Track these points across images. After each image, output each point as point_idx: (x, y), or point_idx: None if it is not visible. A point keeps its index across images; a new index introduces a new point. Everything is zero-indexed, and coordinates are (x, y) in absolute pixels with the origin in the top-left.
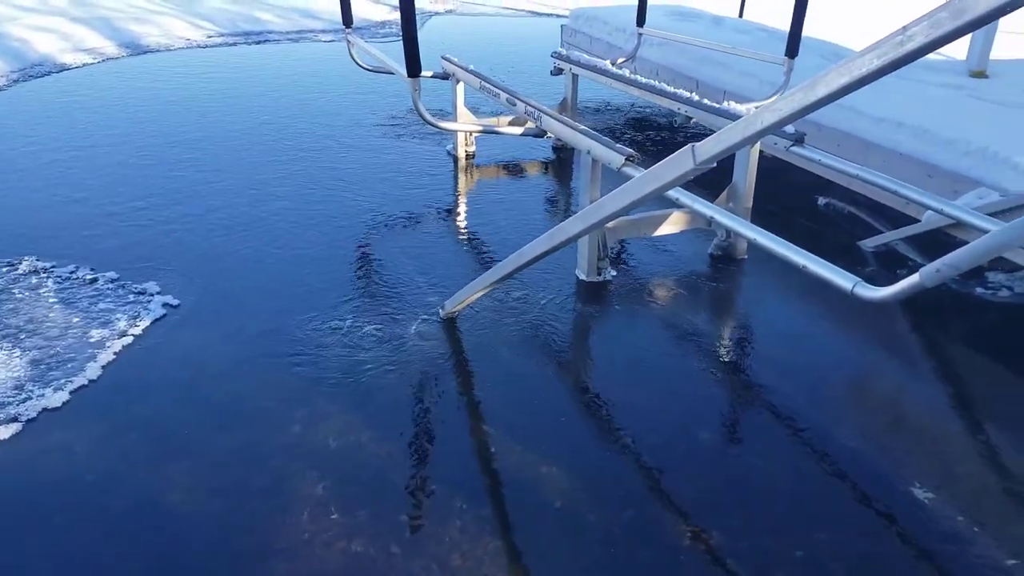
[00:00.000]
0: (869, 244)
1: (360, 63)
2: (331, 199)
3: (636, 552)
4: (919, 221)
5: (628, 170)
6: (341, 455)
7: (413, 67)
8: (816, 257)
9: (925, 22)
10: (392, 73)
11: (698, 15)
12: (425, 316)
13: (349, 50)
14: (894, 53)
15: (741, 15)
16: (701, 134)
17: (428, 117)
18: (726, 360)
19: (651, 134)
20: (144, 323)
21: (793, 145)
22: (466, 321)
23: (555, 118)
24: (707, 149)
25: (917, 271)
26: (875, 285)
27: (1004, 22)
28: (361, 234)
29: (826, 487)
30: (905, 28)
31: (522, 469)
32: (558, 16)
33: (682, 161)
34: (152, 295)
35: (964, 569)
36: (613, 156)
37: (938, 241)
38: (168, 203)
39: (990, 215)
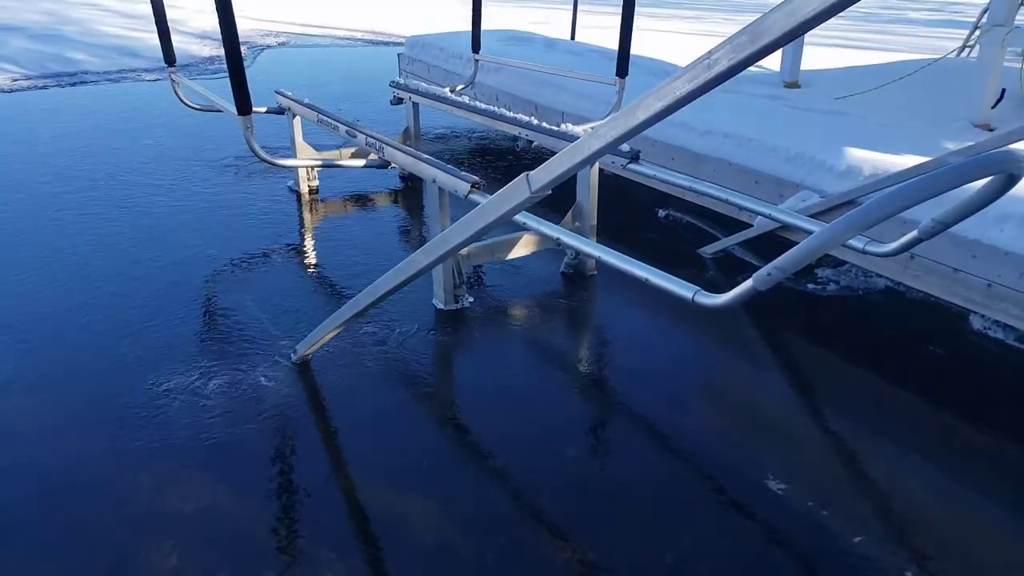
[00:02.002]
0: (708, 251)
1: (188, 102)
2: (166, 246)
3: None
4: (752, 226)
5: (475, 197)
6: (194, 520)
7: (243, 104)
8: (656, 269)
9: (728, 47)
10: (222, 111)
11: (531, 39)
12: (278, 360)
13: (175, 89)
14: (703, 76)
15: (573, 37)
16: (544, 157)
17: (263, 155)
18: (585, 375)
19: (494, 159)
20: None
21: (630, 163)
22: (321, 363)
23: (397, 148)
24: (540, 177)
25: (751, 276)
26: (713, 292)
27: (809, 35)
28: (202, 281)
29: (687, 490)
30: (711, 52)
31: (391, 510)
32: (394, 44)
33: (518, 191)
34: None
35: (818, 551)
36: (458, 184)
37: (771, 242)
38: None
39: (813, 216)
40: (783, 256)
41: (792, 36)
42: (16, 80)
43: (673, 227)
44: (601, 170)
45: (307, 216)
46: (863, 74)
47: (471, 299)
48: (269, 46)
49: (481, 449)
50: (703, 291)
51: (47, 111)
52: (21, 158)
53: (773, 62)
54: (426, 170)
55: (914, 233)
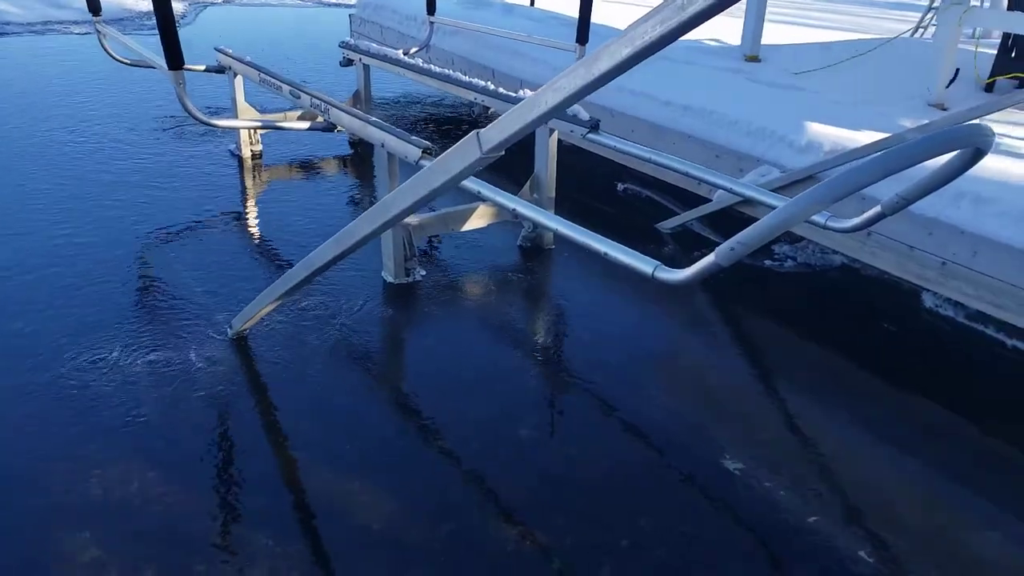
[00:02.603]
0: (667, 225)
1: (116, 56)
2: (97, 212)
3: (460, 566)
4: (711, 200)
5: (426, 163)
6: (118, 509)
7: (174, 59)
8: (616, 244)
9: None
10: (153, 67)
11: (489, 3)
12: (213, 336)
13: (101, 42)
14: (677, 18)
15: (532, 3)
16: None
17: (198, 114)
18: (540, 352)
19: (449, 126)
20: None
21: (589, 132)
22: (259, 339)
23: (344, 110)
24: (492, 136)
25: (713, 251)
26: (674, 267)
27: (769, 11)
28: (134, 250)
29: (644, 472)
30: None
31: (336, 496)
32: (347, 6)
33: (468, 150)
34: None
35: (775, 531)
36: (409, 149)
37: (730, 218)
38: None
39: (774, 191)
40: (746, 230)
41: None
42: None
43: (631, 201)
44: (559, 141)
45: (249, 182)
46: (820, 50)
47: (423, 272)
48: (214, 3)
49: (430, 431)
50: (663, 266)
51: None
52: None
53: (734, 35)
54: (374, 134)
55: (877, 208)
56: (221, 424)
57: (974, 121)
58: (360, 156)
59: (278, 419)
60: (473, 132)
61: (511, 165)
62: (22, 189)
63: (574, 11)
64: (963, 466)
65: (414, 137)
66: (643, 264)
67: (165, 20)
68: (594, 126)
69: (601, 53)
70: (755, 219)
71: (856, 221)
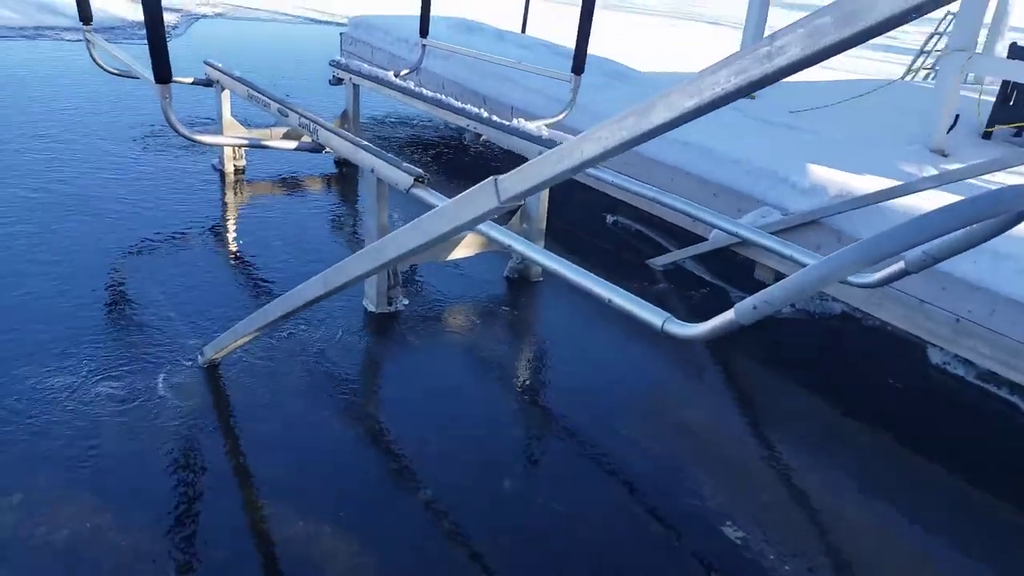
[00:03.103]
0: (659, 262)
1: (103, 66)
2: (69, 224)
3: None
4: (706, 239)
5: (418, 192)
6: (68, 552)
7: (161, 72)
8: (622, 291)
9: (801, 30)
10: (140, 78)
11: (481, 29)
12: (182, 363)
13: (89, 51)
14: (759, 69)
15: (524, 30)
16: (491, 152)
17: (181, 129)
18: (526, 393)
19: (440, 151)
20: None
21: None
22: (232, 368)
23: (334, 132)
24: (513, 185)
25: (732, 308)
26: (666, 309)
27: None
28: (105, 265)
29: (633, 530)
30: (774, 37)
31: (304, 544)
32: (338, 24)
33: (484, 198)
34: None
35: None
36: (400, 176)
37: (725, 258)
38: None
39: (774, 233)
40: (771, 289)
41: (900, 20)
42: None
43: (621, 235)
44: None
45: (230, 199)
46: (814, 90)
47: (406, 302)
48: (205, 16)
49: (409, 475)
50: (674, 319)
51: None
52: None
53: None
54: (365, 158)
55: (900, 265)
56: (184, 460)
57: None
58: (345, 176)
59: (247, 458)
60: (491, 179)
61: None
62: None
63: (563, 39)
64: (967, 531)
65: (406, 164)
66: (651, 315)
67: (155, 33)
68: None
69: (657, 103)
70: (752, 261)
71: (877, 276)
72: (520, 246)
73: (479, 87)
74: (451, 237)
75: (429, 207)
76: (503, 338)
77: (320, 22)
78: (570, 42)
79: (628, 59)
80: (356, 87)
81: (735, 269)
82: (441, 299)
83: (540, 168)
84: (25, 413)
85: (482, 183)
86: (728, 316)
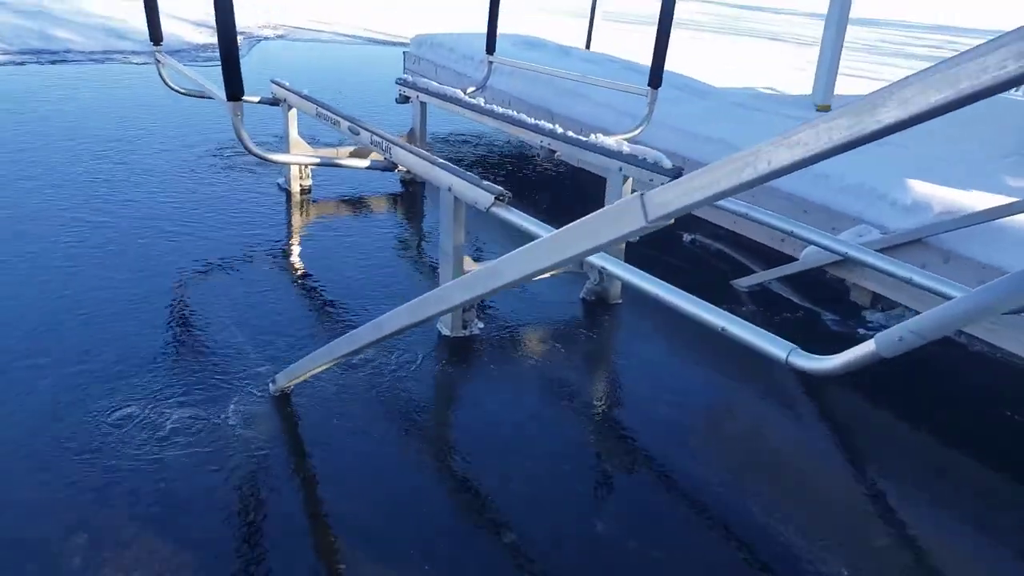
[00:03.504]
0: (743, 284)
1: (173, 86)
2: (135, 244)
3: None
4: (794, 259)
5: (498, 211)
6: None
7: (234, 89)
8: (739, 319)
9: None
10: (211, 97)
11: (544, 45)
12: (253, 392)
13: (159, 71)
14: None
15: (588, 47)
16: (561, 170)
17: (253, 147)
18: (610, 425)
19: (509, 169)
20: None
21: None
22: (303, 397)
23: (407, 149)
24: (666, 200)
25: (874, 337)
26: (813, 353)
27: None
28: (171, 288)
29: None
30: None
31: None
32: (396, 44)
33: (626, 216)
34: None
35: None
36: (480, 195)
37: (816, 281)
38: None
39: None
40: (923, 316)
41: None
42: None
43: (700, 254)
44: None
45: (298, 219)
46: None
47: (481, 325)
48: (266, 38)
49: (492, 516)
50: (801, 351)
51: (24, 88)
52: None
53: (790, 83)
54: (441, 176)
55: (870, 346)
56: (255, 496)
57: None
58: (411, 195)
59: (320, 494)
60: (636, 194)
61: (562, 205)
62: (60, 217)
63: (629, 54)
64: None
65: (486, 182)
66: (774, 346)
67: (228, 49)
68: (676, 174)
69: (886, 99)
70: (849, 283)
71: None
72: (622, 271)
73: (546, 103)
74: (577, 260)
75: (511, 227)
76: (584, 364)
77: (379, 42)
78: (635, 58)
79: (693, 74)
80: (423, 105)
81: (826, 292)
82: (516, 322)
83: (702, 181)
84: (92, 446)
85: (625, 199)
86: (867, 348)
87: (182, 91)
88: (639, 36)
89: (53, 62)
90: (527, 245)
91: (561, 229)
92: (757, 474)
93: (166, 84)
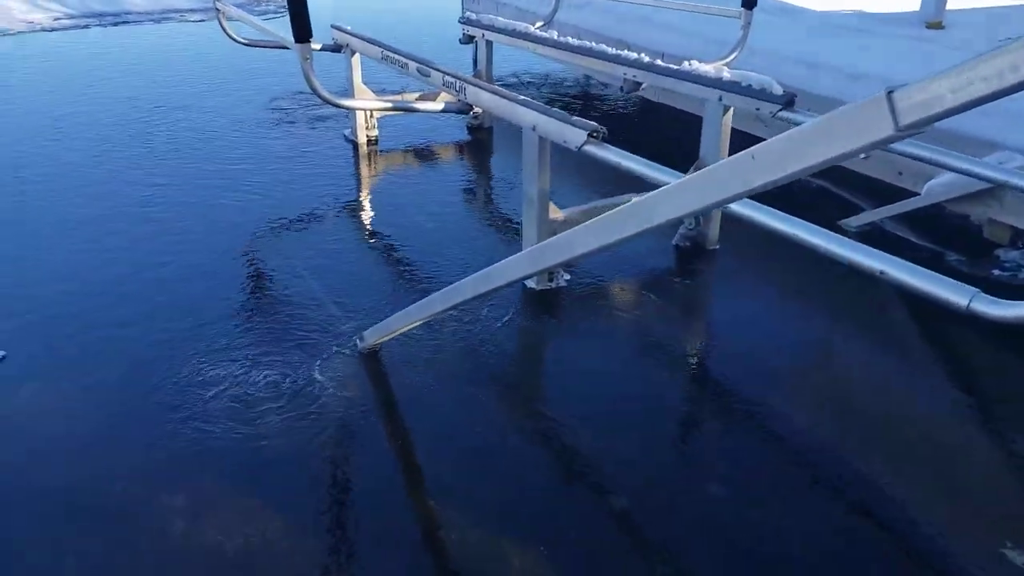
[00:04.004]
0: (853, 223)
1: (234, 36)
2: (208, 201)
3: None
4: (913, 194)
5: (593, 150)
6: (240, 562)
7: (302, 30)
8: (904, 262)
9: None
10: (273, 47)
11: None
12: (339, 350)
13: (220, 22)
14: None
15: None
16: (643, 108)
17: (324, 92)
18: (718, 384)
19: (576, 110)
20: None
21: (782, 109)
22: (392, 355)
23: (484, 88)
24: (923, 102)
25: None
26: (1000, 298)
27: None
28: (249, 245)
29: (856, 551)
30: None
31: (488, 559)
32: None
33: (869, 121)
34: None
35: None
36: (570, 132)
37: (937, 218)
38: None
39: None
40: None
41: None
42: (58, 19)
43: (798, 193)
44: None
45: (367, 171)
46: (1016, 16)
47: (567, 277)
48: None
49: (595, 480)
50: (984, 295)
51: (89, 51)
52: (62, 100)
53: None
54: (524, 114)
55: None
56: (346, 457)
57: None
58: (478, 142)
59: (412, 454)
60: (881, 93)
61: (656, 146)
62: (132, 177)
63: None
64: None
65: (576, 118)
66: (952, 292)
67: None
68: (788, 102)
69: None
70: (978, 219)
71: None
72: (749, 210)
73: (621, 35)
74: (771, 187)
75: (607, 166)
76: (682, 317)
77: None
78: None
79: None
80: (489, 44)
81: (949, 230)
82: (605, 273)
83: (979, 71)
84: (179, 405)
85: (866, 100)
86: None
87: (244, 41)
88: None
89: (115, 24)
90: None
91: (739, 154)
92: (883, 435)
93: (228, 35)
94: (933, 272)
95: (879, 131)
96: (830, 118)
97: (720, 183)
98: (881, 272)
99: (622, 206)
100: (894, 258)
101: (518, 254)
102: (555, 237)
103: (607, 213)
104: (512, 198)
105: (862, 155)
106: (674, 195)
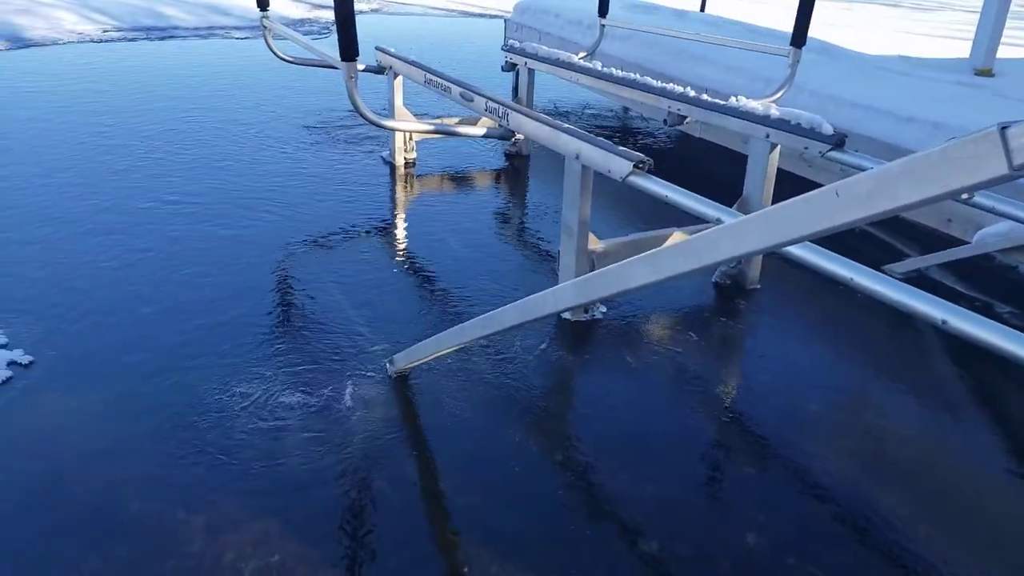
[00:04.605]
0: (898, 269)
1: (279, 54)
2: (243, 219)
3: None
4: (962, 242)
5: (638, 181)
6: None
7: (348, 48)
8: (969, 312)
9: None
10: (317, 66)
11: (657, 9)
12: (368, 374)
13: (266, 38)
14: None
15: (703, 8)
16: (680, 143)
17: (367, 112)
18: (751, 425)
19: (623, 139)
20: None
21: (832, 150)
22: (421, 380)
23: (527, 115)
24: None
25: None
26: None
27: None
28: (282, 264)
29: None
30: None
31: None
32: (491, 16)
33: (980, 157)
34: None
35: None
36: (616, 162)
37: (984, 268)
38: (31, 223)
39: None
40: None
41: None
42: (107, 31)
43: (843, 236)
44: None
45: (404, 195)
46: None
47: (603, 309)
48: (361, 11)
49: (624, 520)
50: None
51: (133, 63)
52: (103, 109)
53: (957, 48)
54: (568, 143)
55: None
56: (371, 484)
57: None
58: (516, 169)
59: (439, 484)
60: (993, 127)
61: (693, 181)
62: (166, 190)
63: (746, 16)
64: None
65: (622, 148)
66: None
67: (344, 9)
68: (839, 142)
69: None
70: (1014, 271)
71: None
72: (803, 251)
73: (665, 68)
74: (852, 227)
75: (652, 198)
76: (721, 358)
77: (473, 15)
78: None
79: (835, 40)
80: (531, 72)
81: (995, 280)
82: (642, 307)
83: None
84: (206, 421)
85: (973, 135)
86: None
87: (288, 59)
88: (753, 5)
89: (162, 38)
90: (743, 218)
91: (819, 191)
92: (929, 490)
93: (273, 52)
94: (1003, 325)
95: (990, 170)
96: (930, 155)
97: (796, 220)
98: (943, 322)
99: (679, 241)
100: (960, 308)
101: (563, 284)
102: (605, 268)
103: (663, 247)
104: (547, 226)
105: (964, 196)
106: (739, 232)
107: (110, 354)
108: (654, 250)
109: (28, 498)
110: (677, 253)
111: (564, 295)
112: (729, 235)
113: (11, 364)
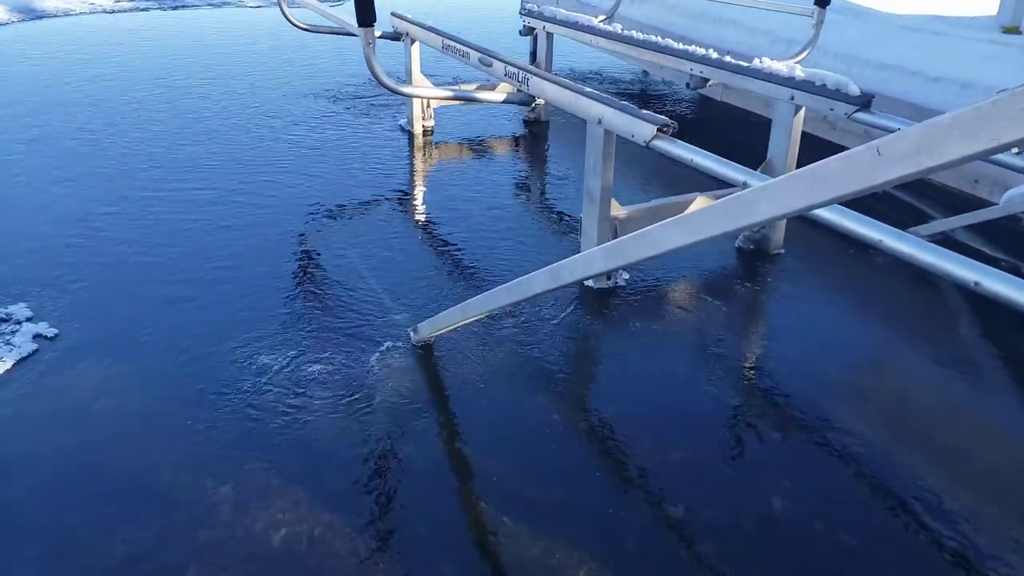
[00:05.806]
0: (923, 232)
1: (295, 22)
2: (263, 189)
3: None
4: (989, 203)
5: (662, 145)
6: (288, 556)
7: (366, 14)
8: (1004, 274)
9: None
10: (334, 33)
11: None
12: (391, 343)
13: (281, 6)
14: None
15: None
16: (699, 108)
17: (385, 79)
18: (773, 389)
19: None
20: (5, 364)
21: (858, 111)
22: (445, 348)
23: (548, 79)
24: None
25: None
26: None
27: None
28: (303, 233)
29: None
30: None
31: (536, 561)
32: None
33: None
34: (19, 323)
35: None
36: (639, 126)
37: (1001, 229)
38: (53, 200)
39: None
40: None
41: None
42: (118, 1)
43: (865, 198)
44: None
45: (422, 163)
46: None
47: (626, 276)
48: None
49: (648, 487)
50: None
51: (146, 34)
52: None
53: (985, 5)
54: (590, 107)
55: None
56: (397, 452)
57: None
58: (534, 136)
59: (465, 452)
60: None
61: (716, 142)
62: (181, 161)
63: None
64: None
65: (645, 111)
66: None
67: None
68: (865, 103)
69: None
70: None
71: None
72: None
73: (685, 31)
74: (893, 185)
75: (677, 162)
76: (745, 323)
77: None
78: None
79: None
80: (550, 36)
81: (1022, 241)
82: (665, 273)
83: None
84: (233, 391)
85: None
86: None
87: (304, 27)
88: None
89: (174, 8)
90: (779, 178)
91: (858, 148)
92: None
93: (289, 21)
94: None
95: None
96: (980, 107)
97: (835, 180)
98: (976, 283)
99: (716, 202)
100: (992, 269)
101: (593, 249)
102: (636, 232)
103: (697, 210)
104: (567, 193)
105: (1015, 150)
106: (776, 192)
107: (145, 304)
108: (687, 212)
109: (68, 467)
110: (712, 215)
111: (594, 260)
112: (766, 196)
113: (36, 337)
